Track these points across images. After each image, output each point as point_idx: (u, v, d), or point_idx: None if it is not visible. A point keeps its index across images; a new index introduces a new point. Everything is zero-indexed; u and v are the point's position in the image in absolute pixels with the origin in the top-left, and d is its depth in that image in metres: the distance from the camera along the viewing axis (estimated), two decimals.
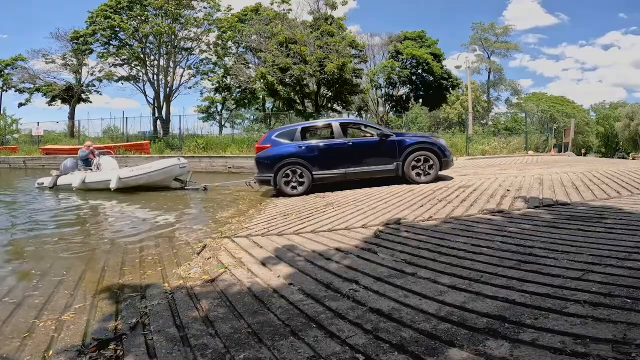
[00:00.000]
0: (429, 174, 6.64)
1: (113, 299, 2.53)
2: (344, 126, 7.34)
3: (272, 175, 6.77)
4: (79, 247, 4.25)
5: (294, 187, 6.76)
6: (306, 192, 6.66)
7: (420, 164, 6.66)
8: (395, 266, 2.49)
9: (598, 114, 53.37)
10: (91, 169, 9.66)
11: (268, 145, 7.01)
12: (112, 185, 8.73)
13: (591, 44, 78.43)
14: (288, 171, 6.75)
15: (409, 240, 3.09)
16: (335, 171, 6.80)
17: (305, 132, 7.42)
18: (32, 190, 9.80)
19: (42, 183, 9.96)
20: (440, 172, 6.84)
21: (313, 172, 6.75)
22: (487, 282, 2.08)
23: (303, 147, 6.85)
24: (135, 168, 9.31)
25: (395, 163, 6.71)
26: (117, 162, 10.29)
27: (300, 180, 6.76)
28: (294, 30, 18.25)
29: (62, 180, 9.66)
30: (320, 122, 8.40)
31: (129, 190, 8.80)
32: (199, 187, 9.17)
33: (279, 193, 6.95)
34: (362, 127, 7.92)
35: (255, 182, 8.25)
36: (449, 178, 6.87)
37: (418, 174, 6.64)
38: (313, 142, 7.24)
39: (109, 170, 9.45)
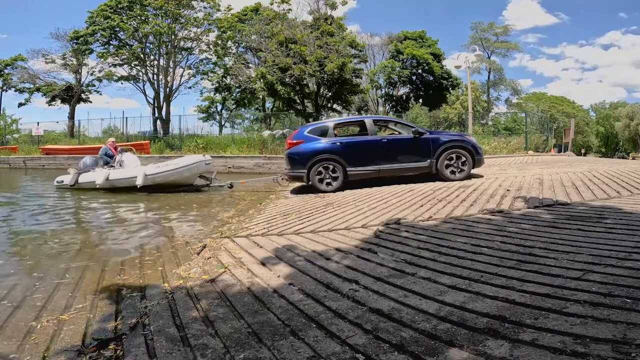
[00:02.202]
0: (462, 171, 6.68)
1: (113, 299, 2.53)
2: (377, 123, 7.35)
3: (305, 171, 6.72)
4: (79, 247, 4.25)
5: (327, 184, 6.73)
6: (340, 189, 6.62)
7: (453, 161, 6.70)
8: (395, 266, 2.49)
9: (598, 114, 53.42)
10: (113, 166, 9.38)
11: (300, 141, 6.95)
12: (139, 182, 8.48)
13: (591, 43, 78.54)
14: (322, 167, 6.71)
15: (409, 240, 3.09)
16: (369, 168, 6.79)
17: (337, 129, 7.43)
18: (52, 192, 9.40)
19: (62, 181, 9.60)
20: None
21: (347, 169, 6.73)
22: (487, 282, 2.08)
23: (338, 144, 6.81)
24: (161, 165, 9.02)
25: (429, 160, 6.74)
26: (139, 159, 10.04)
27: (334, 176, 6.74)
28: (294, 30, 18.25)
29: (83, 178, 9.31)
30: (353, 119, 8.47)
31: (142, 189, 8.56)
32: (225, 185, 8.98)
33: (310, 189, 6.82)
34: (394, 125, 7.93)
35: (283, 179, 8.23)
36: (481, 176, 6.88)
37: (452, 172, 6.68)
38: (348, 138, 7.24)
39: (132, 167, 9.18)
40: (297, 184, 7.76)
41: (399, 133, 7.28)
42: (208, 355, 1.61)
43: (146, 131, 23.86)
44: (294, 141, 7.00)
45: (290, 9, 22.03)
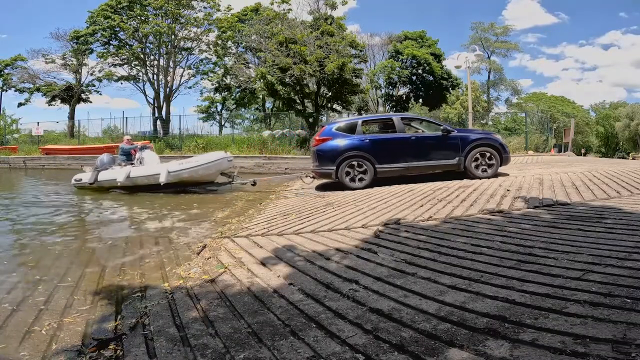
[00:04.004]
0: (490, 169, 6.73)
1: (113, 299, 2.53)
2: (405, 121, 7.44)
3: (335, 168, 6.73)
4: (79, 247, 4.25)
5: (356, 181, 6.74)
6: (368, 186, 6.61)
7: (481, 159, 6.75)
8: (395, 266, 2.49)
9: (598, 114, 53.35)
10: (132, 164, 9.21)
11: (328, 137, 6.94)
12: (162, 180, 8.29)
13: (591, 43, 78.11)
14: (351, 164, 6.72)
15: (409, 240, 3.09)
16: (398, 165, 6.81)
17: (365, 126, 7.49)
18: (71, 192, 9.30)
19: (80, 179, 9.41)
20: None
21: (376, 166, 6.74)
22: (487, 282, 2.08)
23: (367, 141, 6.83)
24: (184, 161, 8.87)
25: (457, 158, 6.77)
26: (158, 157, 9.88)
27: (363, 173, 6.75)
28: (294, 30, 18.23)
29: (103, 176, 9.06)
30: (380, 116, 8.62)
31: (165, 187, 8.43)
32: (247, 182, 8.88)
33: (328, 188, 6.81)
34: (420, 123, 7.97)
35: (307, 176, 8.25)
36: (506, 174, 6.90)
37: (480, 170, 6.73)
38: (377, 135, 7.29)
39: (154, 164, 9.02)
40: (322, 181, 7.80)
41: (422, 131, 7.33)
42: (208, 355, 1.61)
43: (146, 131, 23.87)
44: (322, 138, 6.99)
45: (290, 9, 22.03)
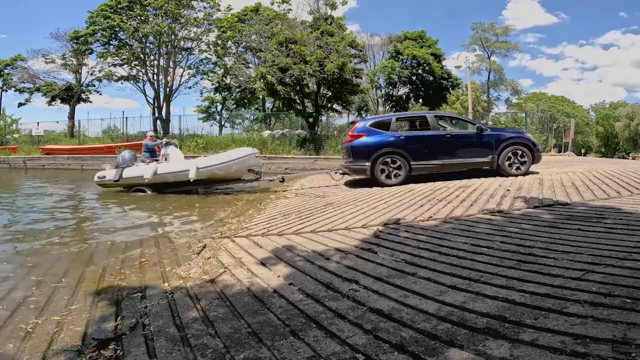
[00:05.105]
0: (522, 167, 6.80)
1: (113, 299, 2.53)
2: (438, 119, 7.50)
3: (369, 164, 6.75)
4: (78, 247, 4.25)
5: (390, 177, 6.76)
6: (402, 183, 6.60)
7: (514, 157, 6.81)
8: (395, 266, 2.48)
9: (598, 114, 53.34)
10: (157, 160, 9.07)
11: (363, 134, 6.96)
12: (192, 176, 8.11)
13: (591, 43, 78.29)
14: (386, 161, 6.75)
15: (409, 240, 3.09)
16: (433, 162, 6.85)
17: (399, 123, 7.58)
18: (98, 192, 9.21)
19: (104, 177, 9.10)
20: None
21: (411, 163, 6.78)
22: (487, 282, 2.08)
23: (402, 137, 6.89)
24: (211, 158, 8.74)
25: (491, 156, 6.83)
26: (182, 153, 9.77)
27: (398, 170, 6.78)
28: (294, 30, 18.23)
29: (128, 173, 8.79)
30: (414, 114, 8.74)
31: (194, 184, 8.31)
32: (275, 179, 8.75)
33: (363, 182, 6.81)
34: (450, 121, 7.99)
35: (336, 172, 8.28)
36: (536, 172, 6.92)
37: (512, 167, 6.80)
38: (412, 132, 7.34)
39: (179, 161, 8.86)
40: (351, 178, 7.84)
41: (447, 129, 7.39)
42: (208, 355, 1.61)
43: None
44: (356, 134, 7.01)
45: (290, 9, 22.05)
